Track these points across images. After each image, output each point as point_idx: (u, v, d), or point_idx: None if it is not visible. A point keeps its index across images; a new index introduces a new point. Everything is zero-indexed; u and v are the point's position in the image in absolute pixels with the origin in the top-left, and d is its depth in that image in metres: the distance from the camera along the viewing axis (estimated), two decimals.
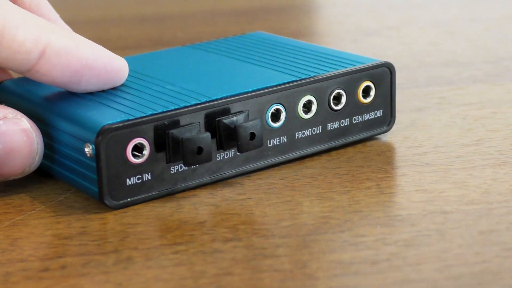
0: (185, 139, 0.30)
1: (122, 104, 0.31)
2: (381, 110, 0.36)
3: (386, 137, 0.36)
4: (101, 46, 0.32)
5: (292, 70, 0.35)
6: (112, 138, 0.30)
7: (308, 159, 0.34)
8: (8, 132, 0.30)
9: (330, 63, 0.35)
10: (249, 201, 0.31)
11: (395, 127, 0.37)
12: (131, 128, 0.30)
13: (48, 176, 0.33)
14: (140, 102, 0.32)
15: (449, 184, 0.32)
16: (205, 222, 0.30)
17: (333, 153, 0.35)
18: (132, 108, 0.31)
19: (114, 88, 0.33)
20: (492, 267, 0.26)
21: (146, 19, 0.63)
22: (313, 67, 0.35)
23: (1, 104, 0.35)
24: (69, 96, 0.33)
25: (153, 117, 0.30)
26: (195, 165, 0.31)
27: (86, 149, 0.30)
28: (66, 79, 0.31)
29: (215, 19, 0.62)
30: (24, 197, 0.32)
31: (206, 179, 0.32)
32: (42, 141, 0.31)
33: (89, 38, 0.32)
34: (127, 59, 0.34)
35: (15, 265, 0.27)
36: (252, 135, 0.31)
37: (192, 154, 0.30)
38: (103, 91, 0.33)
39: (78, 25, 0.38)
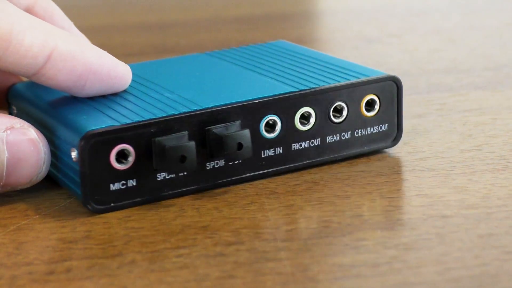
0: (168, 147, 0.30)
1: (114, 110, 0.32)
2: (386, 124, 0.35)
3: None
4: (106, 52, 0.32)
5: (294, 81, 0.34)
6: (96, 143, 0.30)
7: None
8: (16, 142, 0.31)
9: (335, 74, 0.35)
10: (251, 205, 0.31)
11: None
12: (115, 135, 0.30)
13: (53, 181, 0.33)
14: (132, 109, 0.32)
15: (449, 189, 0.32)
16: (207, 226, 0.30)
17: None
18: (122, 114, 0.31)
19: (113, 93, 0.34)
20: (491, 270, 0.26)
21: (149, 26, 0.64)
22: (317, 78, 0.35)
23: (12, 106, 0.35)
24: (67, 101, 0.33)
25: (138, 124, 0.31)
26: (179, 173, 0.32)
27: (73, 154, 0.30)
28: (71, 84, 0.32)
29: (217, 27, 0.63)
30: (29, 202, 0.32)
31: (194, 187, 0.32)
32: (49, 151, 0.32)
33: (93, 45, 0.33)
34: (142, 65, 0.34)
35: (21, 268, 0.28)
36: (240, 145, 0.31)
37: (175, 162, 0.31)
38: (102, 96, 0.33)
39: (83, 32, 0.39)
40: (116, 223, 0.30)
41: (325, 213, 0.31)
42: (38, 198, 0.33)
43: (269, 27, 0.62)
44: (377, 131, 0.35)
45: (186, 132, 0.31)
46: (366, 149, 0.35)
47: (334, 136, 0.34)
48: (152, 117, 0.31)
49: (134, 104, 0.32)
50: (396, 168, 0.34)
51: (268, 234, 0.29)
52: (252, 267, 0.27)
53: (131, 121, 0.31)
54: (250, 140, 0.32)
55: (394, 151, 0.36)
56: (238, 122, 0.32)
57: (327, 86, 0.34)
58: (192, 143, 0.31)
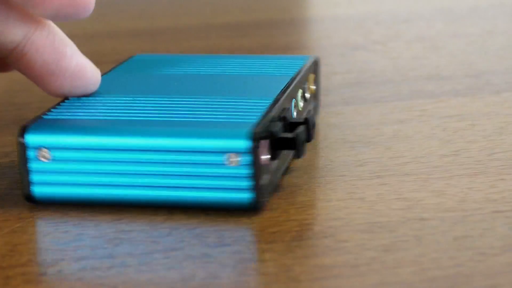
0: (298, 132, 0.32)
1: (218, 118, 0.32)
2: (317, 100, 0.42)
3: (369, 148, 0.38)
4: None
5: (276, 73, 0.38)
6: (259, 141, 0.31)
7: (293, 168, 0.36)
8: None
9: (280, 64, 0.40)
10: None
11: (378, 138, 0.38)
12: (264, 131, 0.31)
13: None
14: (230, 113, 0.32)
15: (427, 193, 0.33)
16: (195, 229, 0.31)
17: (318, 163, 0.36)
18: (235, 118, 0.32)
19: (173, 111, 0.33)
20: (465, 270, 0.27)
21: (139, 33, 0.65)
22: (278, 69, 0.39)
23: (37, 149, 0.34)
24: (155, 123, 0.32)
25: (266, 118, 0.32)
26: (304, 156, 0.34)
27: (231, 159, 0.31)
28: None
29: (207, 33, 0.64)
30: (23, 206, 0.33)
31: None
32: None
33: (84, 51, 0.33)
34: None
35: (14, 269, 0.28)
36: (314, 124, 0.34)
37: (303, 145, 0.32)
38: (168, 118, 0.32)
39: (74, 38, 0.39)
40: (107, 226, 0.31)
41: (308, 216, 0.32)
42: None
43: (257, 34, 0.63)
44: (313, 105, 0.41)
45: (283, 122, 0.34)
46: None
47: (304, 113, 0.39)
48: (264, 110, 0.33)
49: (217, 111, 0.33)
50: (377, 173, 0.35)
51: (253, 236, 0.30)
52: (236, 268, 0.28)
53: (258, 118, 0.32)
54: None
55: (375, 156, 0.37)
56: (288, 109, 0.35)
57: (299, 71, 0.38)
58: (304, 127, 0.33)
